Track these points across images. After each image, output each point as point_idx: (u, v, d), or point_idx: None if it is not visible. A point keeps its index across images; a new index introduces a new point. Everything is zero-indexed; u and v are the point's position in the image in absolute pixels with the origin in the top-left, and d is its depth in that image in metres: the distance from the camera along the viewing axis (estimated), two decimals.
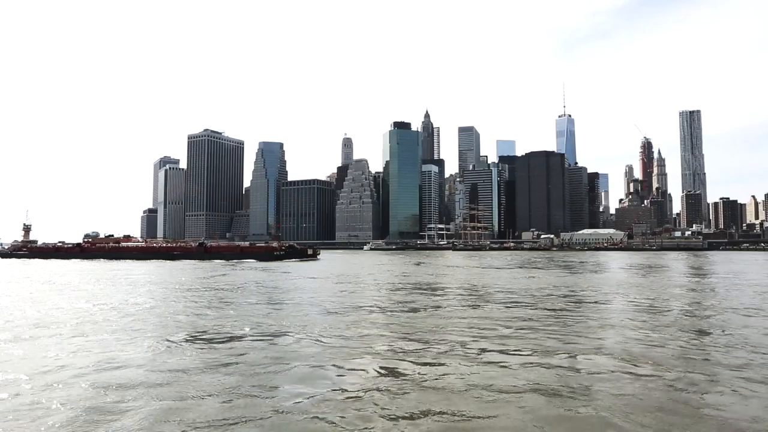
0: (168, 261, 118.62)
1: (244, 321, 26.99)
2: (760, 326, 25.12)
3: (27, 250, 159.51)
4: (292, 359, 18.13)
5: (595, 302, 36.03)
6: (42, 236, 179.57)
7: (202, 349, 20.18)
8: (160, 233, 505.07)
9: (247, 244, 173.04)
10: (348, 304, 34.37)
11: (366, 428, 11.68)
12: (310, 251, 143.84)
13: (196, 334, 23.26)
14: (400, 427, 11.76)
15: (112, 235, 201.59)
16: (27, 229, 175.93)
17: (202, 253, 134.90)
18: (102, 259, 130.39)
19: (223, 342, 21.56)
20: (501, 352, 19.41)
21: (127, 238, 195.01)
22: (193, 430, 11.58)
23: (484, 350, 19.66)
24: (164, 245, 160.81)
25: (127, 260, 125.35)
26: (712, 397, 13.90)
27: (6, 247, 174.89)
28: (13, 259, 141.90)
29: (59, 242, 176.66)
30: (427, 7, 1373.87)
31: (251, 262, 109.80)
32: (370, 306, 33.53)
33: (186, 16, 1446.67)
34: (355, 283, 54.43)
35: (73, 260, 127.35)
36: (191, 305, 34.51)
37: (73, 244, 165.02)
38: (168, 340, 21.82)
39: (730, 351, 19.50)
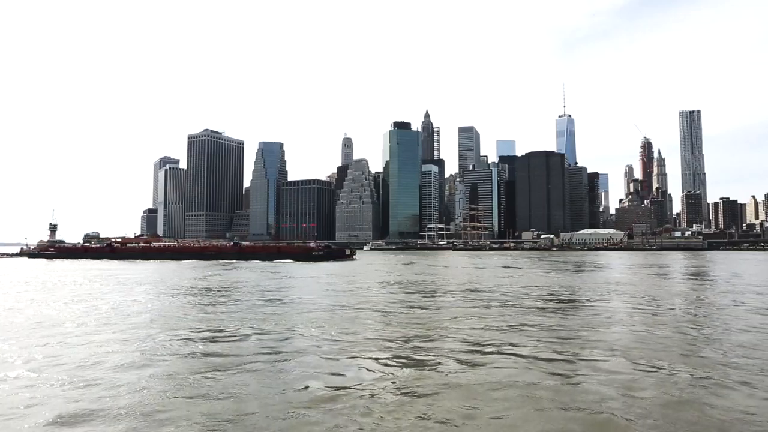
0: (204, 261, 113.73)
1: (314, 323, 26.97)
2: (759, 326, 25.06)
3: (54, 249, 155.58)
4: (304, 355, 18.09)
5: (593, 302, 35.98)
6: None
7: (226, 347, 20.15)
8: (160, 233, 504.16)
9: (284, 243, 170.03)
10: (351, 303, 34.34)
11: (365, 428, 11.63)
12: (348, 251, 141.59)
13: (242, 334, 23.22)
14: (399, 426, 11.71)
15: (143, 235, 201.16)
16: (53, 228, 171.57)
17: (237, 253, 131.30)
18: (133, 260, 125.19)
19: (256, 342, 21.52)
20: (494, 350, 19.37)
21: (157, 237, 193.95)
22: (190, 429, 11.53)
23: (476, 348, 19.62)
24: (197, 245, 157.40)
25: (159, 260, 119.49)
26: (719, 397, 13.83)
27: (32, 247, 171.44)
28: (41, 259, 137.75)
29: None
30: (427, 7, 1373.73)
31: (289, 263, 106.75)
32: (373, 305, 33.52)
33: (186, 16, 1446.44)
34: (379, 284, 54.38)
35: (103, 261, 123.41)
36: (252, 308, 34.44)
37: (104, 244, 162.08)
38: (194, 339, 21.79)
39: (733, 350, 19.45)
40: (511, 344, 20.42)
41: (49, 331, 23.51)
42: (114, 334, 22.85)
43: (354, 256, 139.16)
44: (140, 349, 19.65)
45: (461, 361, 17.57)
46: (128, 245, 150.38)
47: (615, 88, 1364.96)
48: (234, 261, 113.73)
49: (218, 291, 44.20)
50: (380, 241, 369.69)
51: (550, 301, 36.03)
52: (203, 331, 23.84)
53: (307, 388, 14.46)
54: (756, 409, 12.63)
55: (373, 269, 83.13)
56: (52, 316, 28.52)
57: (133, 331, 23.85)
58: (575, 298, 37.75)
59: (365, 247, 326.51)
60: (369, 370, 16.47)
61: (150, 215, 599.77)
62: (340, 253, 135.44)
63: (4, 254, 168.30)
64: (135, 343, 20.79)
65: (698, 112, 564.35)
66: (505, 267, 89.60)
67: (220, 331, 23.82)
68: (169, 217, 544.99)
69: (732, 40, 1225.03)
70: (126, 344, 20.63)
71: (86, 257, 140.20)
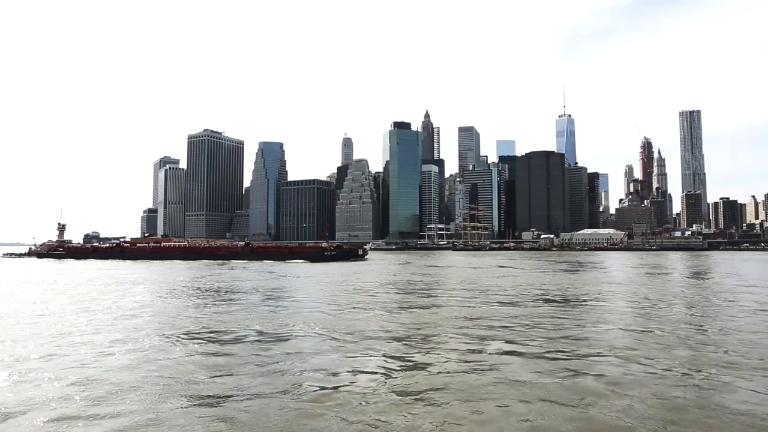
0: (215, 261, 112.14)
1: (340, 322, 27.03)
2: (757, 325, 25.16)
3: (63, 249, 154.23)
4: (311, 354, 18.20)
5: (592, 302, 36.08)
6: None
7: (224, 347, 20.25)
8: (160, 233, 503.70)
9: (296, 243, 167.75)
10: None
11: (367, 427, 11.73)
12: (360, 251, 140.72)
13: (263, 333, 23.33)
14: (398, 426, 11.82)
15: (151, 235, 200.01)
16: (62, 228, 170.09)
17: (249, 253, 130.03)
18: (143, 260, 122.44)
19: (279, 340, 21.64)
20: (492, 349, 19.47)
21: (167, 237, 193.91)
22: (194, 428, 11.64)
23: (474, 348, 19.72)
24: (207, 245, 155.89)
25: (170, 261, 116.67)
26: (720, 397, 13.93)
27: (38, 247, 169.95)
28: (50, 259, 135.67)
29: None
30: (427, 7, 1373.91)
31: (302, 263, 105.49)
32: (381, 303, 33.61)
33: (186, 16, 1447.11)
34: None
35: (113, 261, 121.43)
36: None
37: (113, 243, 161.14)
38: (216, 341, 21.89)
39: (732, 349, 19.55)
40: (509, 344, 20.52)
41: (56, 330, 23.64)
42: (116, 334, 22.95)
43: (366, 256, 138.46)
44: (140, 348, 19.77)
45: (459, 361, 17.68)
46: (138, 245, 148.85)
47: (615, 88, 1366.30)
48: (245, 261, 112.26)
49: (229, 291, 44.30)
50: (380, 241, 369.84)
51: (549, 301, 36.13)
52: (206, 330, 23.96)
53: (304, 386, 14.57)
54: (755, 410, 12.73)
55: (381, 269, 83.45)
56: (66, 315, 28.64)
57: (138, 330, 23.96)
58: (574, 298, 37.84)
59: (365, 247, 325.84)
60: (368, 369, 16.59)
61: (150, 215, 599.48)
62: (352, 253, 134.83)
63: (12, 254, 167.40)
64: (138, 342, 20.90)
65: (698, 112, 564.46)
66: (504, 267, 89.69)
67: (226, 330, 23.93)
68: (169, 217, 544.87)
69: (732, 40, 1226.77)
70: (127, 343, 20.73)
71: (95, 257, 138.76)
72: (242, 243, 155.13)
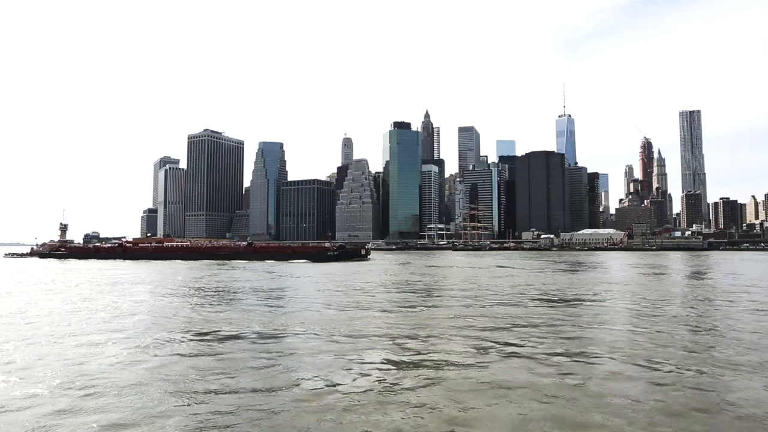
0: (217, 261, 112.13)
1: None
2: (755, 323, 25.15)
3: (65, 249, 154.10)
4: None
5: (590, 302, 36.08)
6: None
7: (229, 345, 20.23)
8: (160, 233, 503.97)
9: (298, 244, 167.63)
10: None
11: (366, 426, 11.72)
12: (363, 251, 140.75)
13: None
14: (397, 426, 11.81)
15: (153, 235, 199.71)
16: (64, 228, 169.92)
17: (251, 253, 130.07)
18: (145, 260, 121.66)
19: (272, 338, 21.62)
20: (489, 350, 19.47)
21: (169, 238, 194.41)
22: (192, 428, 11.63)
23: (472, 348, 19.71)
24: (210, 245, 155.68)
25: (172, 261, 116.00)
26: (719, 397, 13.92)
27: (40, 247, 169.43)
28: (52, 259, 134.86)
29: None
30: (427, 7, 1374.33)
31: (304, 263, 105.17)
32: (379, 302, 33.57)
33: (186, 16, 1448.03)
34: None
35: (116, 261, 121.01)
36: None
37: (115, 244, 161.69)
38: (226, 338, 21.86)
39: (731, 348, 19.54)
40: (507, 344, 20.52)
41: (55, 329, 23.64)
42: (116, 334, 22.96)
43: (369, 256, 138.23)
44: (139, 347, 19.77)
45: (456, 361, 17.67)
46: (140, 245, 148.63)
47: (615, 88, 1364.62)
48: (248, 261, 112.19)
49: (229, 291, 44.32)
50: (380, 241, 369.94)
51: (549, 301, 36.14)
52: (205, 330, 23.95)
53: (300, 386, 14.56)
54: (755, 409, 12.72)
55: (381, 269, 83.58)
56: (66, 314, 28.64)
57: (136, 329, 23.96)
58: (573, 298, 37.85)
59: (367, 247, 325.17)
60: (364, 370, 16.58)
61: (150, 215, 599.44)
62: (354, 253, 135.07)
63: (14, 254, 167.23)
64: (136, 341, 20.90)
65: (698, 112, 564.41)
66: (504, 267, 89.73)
67: (224, 330, 23.93)
68: (169, 217, 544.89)
69: (732, 40, 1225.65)
70: (126, 342, 20.73)
71: (97, 257, 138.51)
72: (245, 243, 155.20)
